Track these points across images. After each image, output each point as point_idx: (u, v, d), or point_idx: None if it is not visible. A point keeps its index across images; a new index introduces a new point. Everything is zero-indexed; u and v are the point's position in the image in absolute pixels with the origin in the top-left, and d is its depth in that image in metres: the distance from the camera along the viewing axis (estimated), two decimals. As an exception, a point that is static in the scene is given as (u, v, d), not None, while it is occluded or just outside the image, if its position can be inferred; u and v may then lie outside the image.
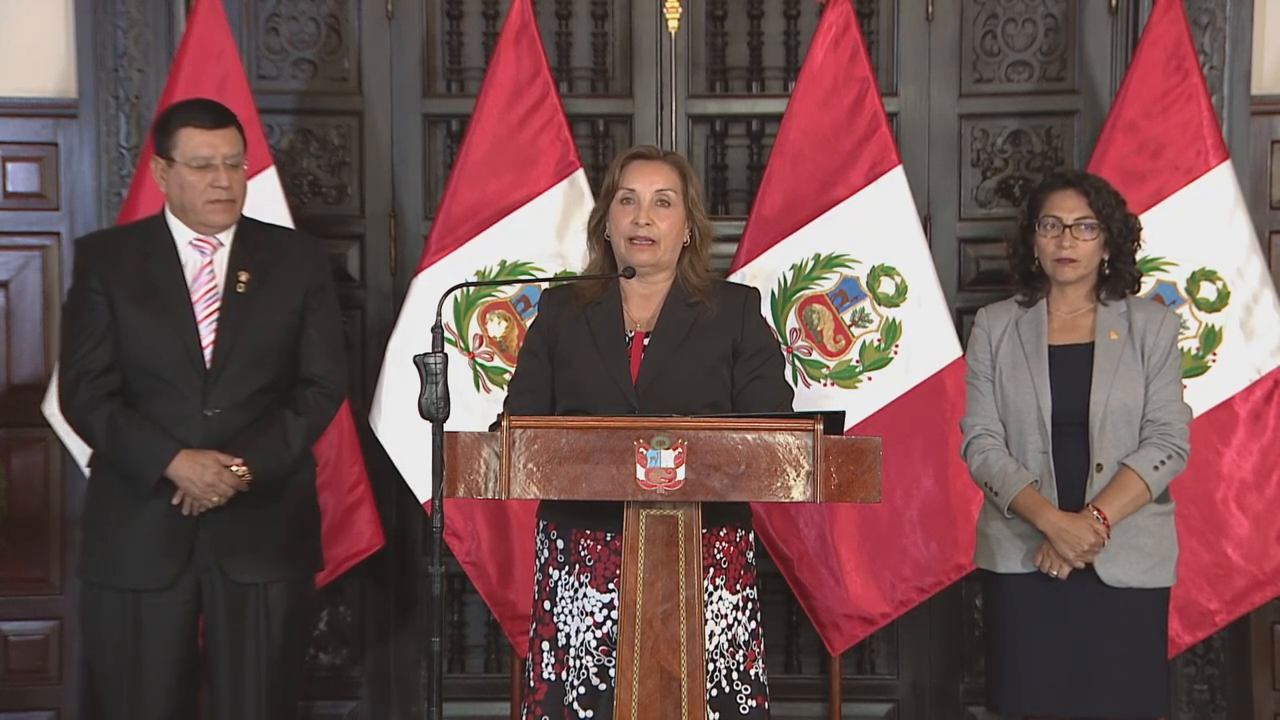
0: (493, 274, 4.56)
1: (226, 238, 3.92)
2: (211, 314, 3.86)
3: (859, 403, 4.51)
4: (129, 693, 3.87)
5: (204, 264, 3.90)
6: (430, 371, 3.15)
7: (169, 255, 3.89)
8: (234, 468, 3.79)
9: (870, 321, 4.55)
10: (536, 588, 3.67)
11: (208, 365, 3.84)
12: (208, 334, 3.85)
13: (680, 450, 3.13)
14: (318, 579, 4.28)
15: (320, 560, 4.12)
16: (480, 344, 4.58)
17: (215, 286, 3.88)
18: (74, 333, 3.89)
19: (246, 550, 3.86)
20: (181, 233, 3.91)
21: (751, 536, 3.69)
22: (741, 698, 3.56)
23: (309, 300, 3.94)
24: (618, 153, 4.12)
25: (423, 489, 4.56)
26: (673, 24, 4.86)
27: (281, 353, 3.91)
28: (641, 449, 3.13)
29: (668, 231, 3.63)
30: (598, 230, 3.72)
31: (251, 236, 3.95)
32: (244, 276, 3.89)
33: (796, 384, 4.46)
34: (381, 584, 4.97)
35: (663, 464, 3.13)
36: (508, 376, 4.31)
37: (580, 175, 4.57)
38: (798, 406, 3.92)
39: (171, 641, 3.86)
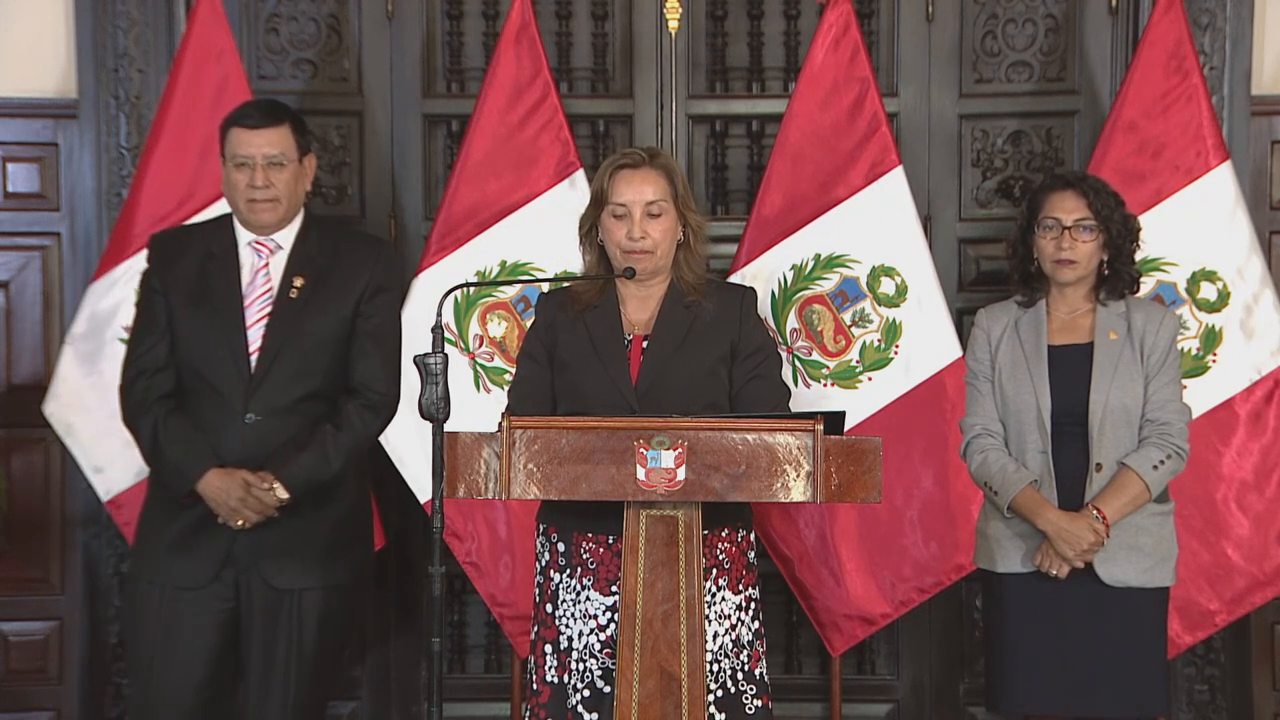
0: (493, 274, 4.56)
1: (286, 240, 3.92)
2: (262, 318, 3.86)
3: (859, 403, 4.50)
4: (157, 686, 3.85)
5: (260, 266, 3.90)
6: (430, 372, 3.15)
7: (229, 257, 3.90)
8: (269, 487, 3.78)
9: (870, 322, 4.54)
10: (537, 590, 3.66)
11: (252, 370, 3.83)
12: (256, 338, 3.84)
13: (680, 450, 3.13)
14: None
15: (368, 567, 4.09)
16: (480, 344, 4.58)
17: (270, 289, 3.88)
18: (137, 329, 3.94)
19: (284, 555, 3.83)
20: (243, 234, 3.92)
21: (753, 536, 3.69)
22: (747, 698, 3.57)
23: (362, 306, 3.91)
24: (608, 156, 4.11)
25: (423, 489, 4.57)
26: (673, 24, 4.86)
27: (331, 359, 3.89)
28: (641, 449, 3.13)
29: (661, 239, 3.64)
30: (590, 234, 3.72)
31: (314, 239, 3.94)
32: (298, 281, 3.88)
33: (796, 384, 4.46)
34: (382, 584, 4.96)
35: (663, 464, 3.13)
36: (508, 377, 4.33)
37: (580, 176, 4.57)
38: (798, 407, 3.93)
39: (205, 639, 3.84)
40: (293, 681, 3.87)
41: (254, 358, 3.84)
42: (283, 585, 3.84)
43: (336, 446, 3.85)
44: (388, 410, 3.99)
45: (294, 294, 3.87)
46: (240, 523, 3.79)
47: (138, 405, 3.87)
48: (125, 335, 4.15)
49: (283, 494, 3.78)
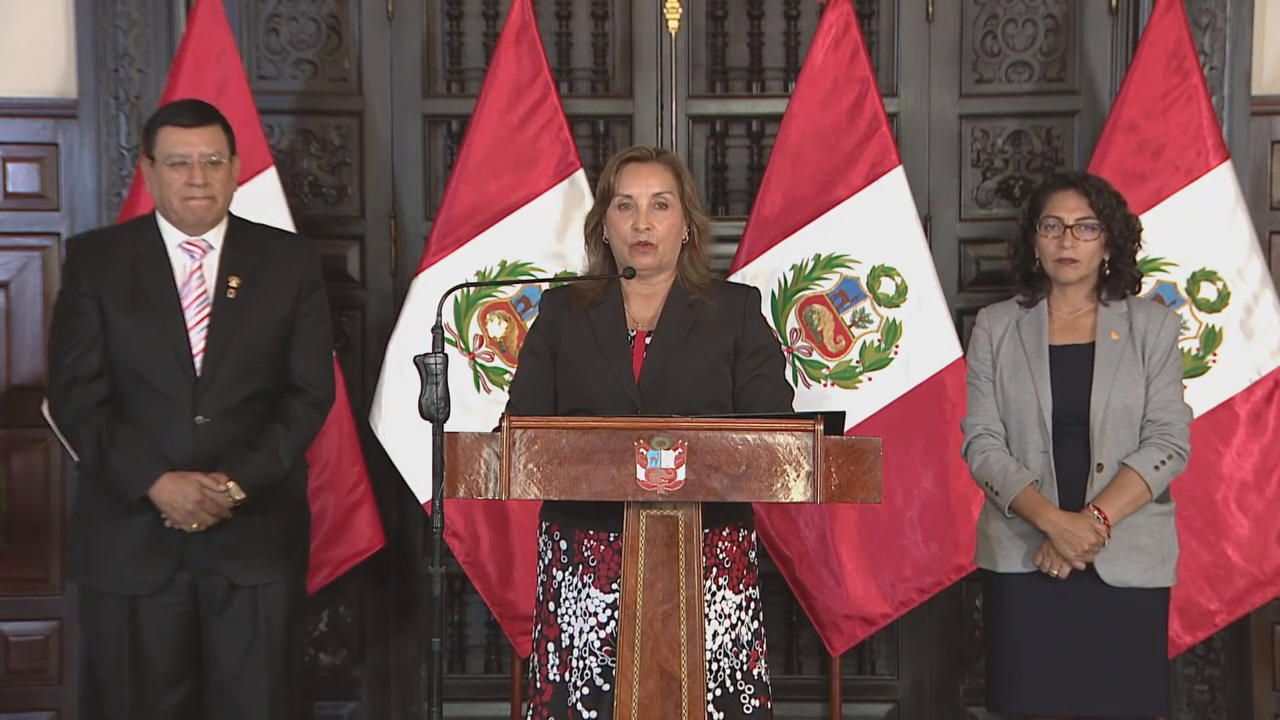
0: (493, 274, 4.56)
1: (216, 240, 3.91)
2: (202, 320, 3.85)
3: (859, 403, 4.51)
4: (131, 693, 3.87)
5: (194, 268, 3.88)
6: (430, 372, 3.15)
7: (159, 259, 3.88)
8: (224, 488, 3.78)
9: (870, 322, 4.55)
10: (540, 589, 3.66)
11: (198, 372, 3.82)
12: (198, 341, 3.83)
13: (680, 450, 3.13)
14: (318, 580, 4.27)
15: (306, 562, 4.11)
16: (480, 344, 4.58)
17: (205, 292, 3.87)
18: (64, 336, 3.88)
19: (240, 553, 3.85)
20: (171, 235, 3.90)
21: (754, 536, 3.69)
22: (745, 697, 3.57)
23: (299, 304, 3.93)
24: (612, 155, 4.12)
25: (423, 489, 4.56)
26: (673, 24, 4.86)
27: (272, 358, 3.90)
28: (642, 449, 3.13)
29: (667, 233, 3.64)
30: (595, 233, 3.72)
31: (242, 239, 3.93)
32: (234, 282, 3.87)
33: (797, 384, 4.46)
34: (381, 584, 4.97)
35: (663, 464, 3.13)
36: (508, 377, 4.33)
37: (580, 176, 4.57)
38: (798, 407, 3.92)
39: (170, 643, 3.86)
40: (264, 679, 3.88)
41: (198, 360, 3.83)
42: (245, 582, 3.86)
43: (287, 444, 3.88)
44: (327, 406, 4.04)
45: (231, 294, 3.87)
46: (195, 525, 3.79)
47: (76, 412, 3.84)
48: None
49: (239, 494, 3.80)
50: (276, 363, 3.91)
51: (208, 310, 3.86)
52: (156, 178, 3.88)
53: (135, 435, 3.81)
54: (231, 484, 3.79)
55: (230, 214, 3.97)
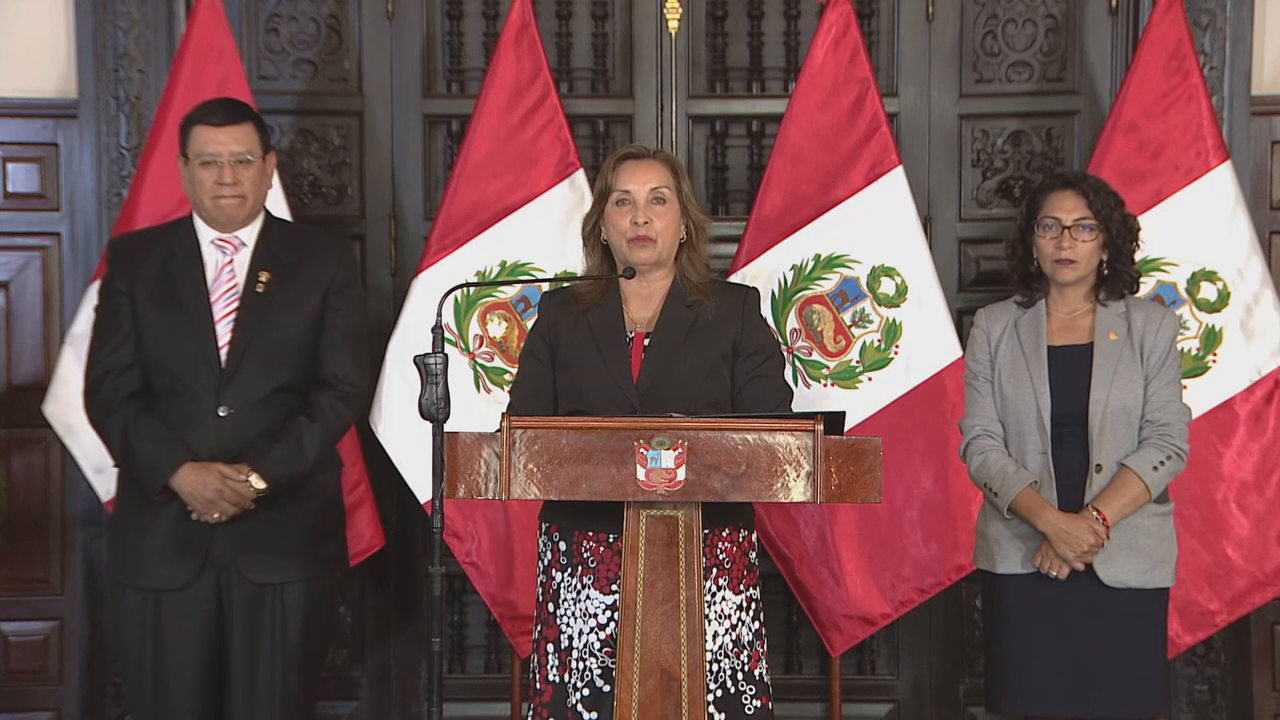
0: (493, 274, 4.57)
1: (250, 237, 3.94)
2: (230, 313, 3.88)
3: (859, 403, 4.51)
4: (152, 690, 3.88)
5: (225, 263, 3.92)
6: (430, 372, 3.15)
7: (192, 255, 3.92)
8: (245, 478, 3.79)
9: (870, 322, 4.55)
10: (540, 590, 3.67)
11: (223, 365, 3.85)
12: (224, 333, 3.86)
13: (680, 450, 3.13)
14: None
15: (344, 561, 4.12)
16: (480, 344, 4.58)
17: (235, 286, 3.90)
18: (100, 331, 3.94)
19: (264, 550, 3.86)
20: (205, 233, 3.94)
21: (754, 537, 3.69)
22: (747, 698, 3.57)
23: (330, 300, 3.94)
24: (607, 156, 4.12)
25: (423, 489, 4.57)
26: (673, 24, 4.86)
27: (300, 353, 3.91)
28: (642, 449, 3.13)
29: (665, 228, 3.64)
30: (593, 234, 3.72)
31: (276, 236, 3.97)
32: (264, 276, 3.90)
33: (796, 384, 4.46)
34: (381, 584, 4.97)
35: (663, 464, 3.13)
36: (508, 377, 4.34)
37: (580, 176, 4.57)
38: (798, 407, 3.93)
39: (193, 640, 3.86)
40: (279, 678, 3.89)
41: (224, 352, 3.86)
42: (262, 580, 3.86)
43: (310, 437, 3.88)
44: (359, 402, 4.06)
45: (260, 289, 3.89)
46: (217, 515, 3.80)
47: (105, 404, 3.89)
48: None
49: (259, 484, 3.80)
50: (306, 357, 3.92)
51: (236, 304, 3.89)
52: (189, 176, 3.92)
53: (159, 426, 3.84)
54: (253, 474, 3.80)
55: (267, 212, 4.00)
